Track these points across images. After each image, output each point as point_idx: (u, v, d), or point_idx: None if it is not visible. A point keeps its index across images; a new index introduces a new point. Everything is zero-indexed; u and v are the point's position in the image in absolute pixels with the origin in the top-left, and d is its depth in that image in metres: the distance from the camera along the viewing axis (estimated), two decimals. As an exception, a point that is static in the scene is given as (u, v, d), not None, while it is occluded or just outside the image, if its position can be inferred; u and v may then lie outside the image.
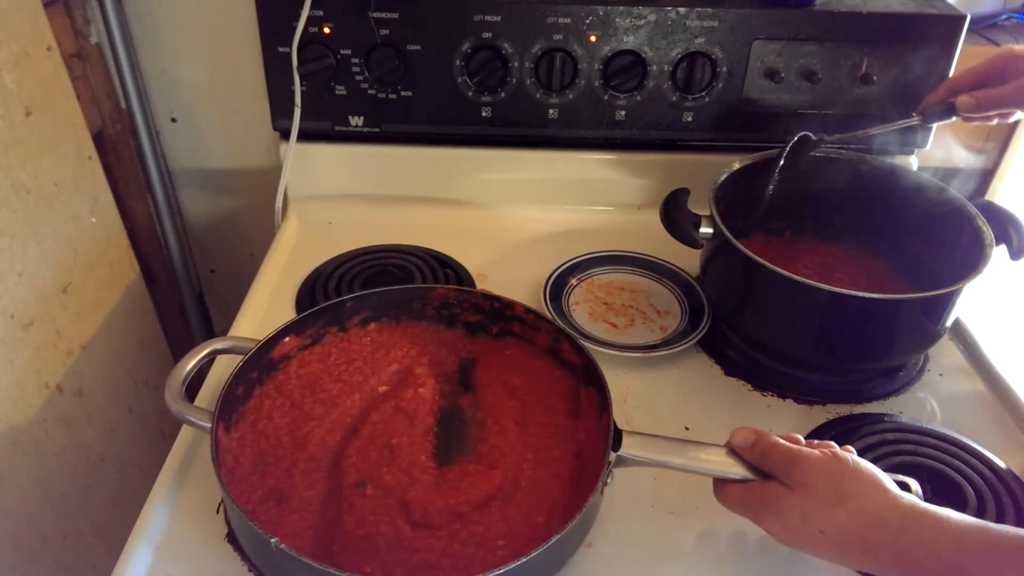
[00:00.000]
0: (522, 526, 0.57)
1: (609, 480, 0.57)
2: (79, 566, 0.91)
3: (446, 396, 0.69)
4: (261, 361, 0.65)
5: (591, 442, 0.61)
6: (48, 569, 0.86)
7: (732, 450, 0.55)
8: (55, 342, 0.86)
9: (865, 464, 0.51)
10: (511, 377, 0.69)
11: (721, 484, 0.56)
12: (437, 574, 0.53)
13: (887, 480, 0.50)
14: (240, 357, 0.63)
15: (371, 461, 0.61)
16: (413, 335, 0.72)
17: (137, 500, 0.61)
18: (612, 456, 0.56)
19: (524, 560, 0.49)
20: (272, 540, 0.49)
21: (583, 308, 0.83)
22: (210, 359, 0.66)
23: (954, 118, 0.76)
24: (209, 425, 0.57)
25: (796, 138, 0.80)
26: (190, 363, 0.63)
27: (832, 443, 0.54)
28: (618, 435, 0.57)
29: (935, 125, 0.92)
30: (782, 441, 0.53)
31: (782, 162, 0.81)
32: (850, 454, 0.52)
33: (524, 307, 0.70)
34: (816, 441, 0.54)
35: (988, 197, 1.10)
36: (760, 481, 0.54)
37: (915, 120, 0.78)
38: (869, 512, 0.48)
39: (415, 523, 0.57)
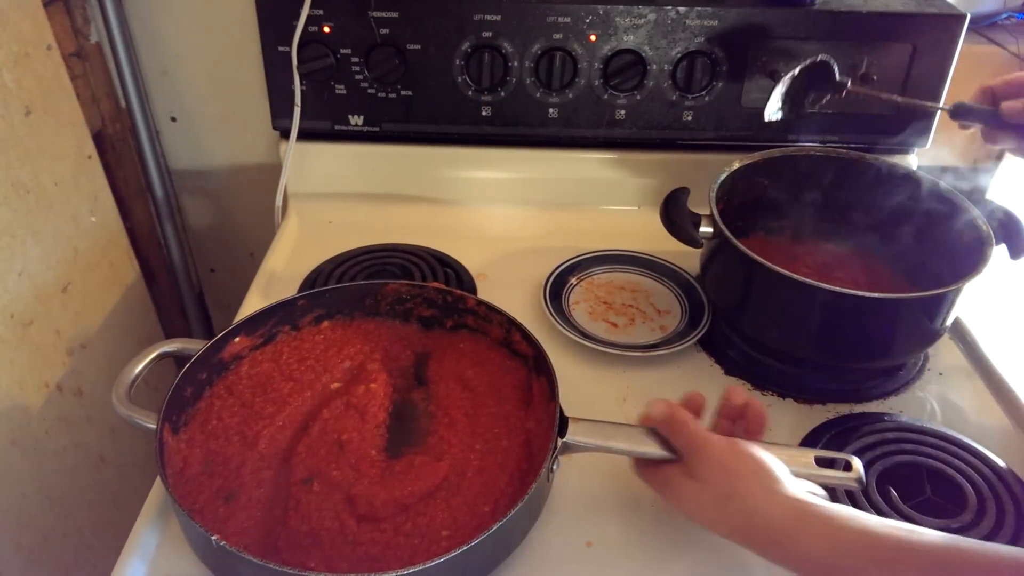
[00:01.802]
0: (467, 516, 0.57)
1: (556, 467, 0.57)
2: (79, 566, 0.91)
3: (399, 391, 0.69)
4: (211, 362, 0.65)
5: (541, 431, 0.62)
6: (48, 568, 0.86)
7: (649, 421, 0.57)
8: (55, 342, 0.86)
9: (762, 461, 0.52)
10: (465, 369, 0.69)
11: (638, 459, 0.58)
12: (380, 567, 0.53)
13: (782, 478, 0.51)
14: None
15: (320, 458, 0.61)
16: (367, 332, 0.72)
17: (137, 500, 0.61)
18: (558, 442, 0.57)
19: (465, 549, 0.49)
20: (213, 537, 0.49)
21: (583, 307, 0.83)
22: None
23: (976, 126, 0.73)
24: (155, 427, 0.58)
25: (818, 58, 0.76)
26: (138, 366, 0.63)
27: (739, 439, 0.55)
28: (564, 421, 0.58)
29: (934, 125, 0.92)
30: (691, 423, 0.55)
31: (796, 73, 0.77)
32: (752, 447, 0.53)
33: (476, 299, 0.71)
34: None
35: (988, 197, 1.09)
36: (668, 464, 0.56)
37: (944, 107, 0.75)
38: (754, 512, 0.50)
39: (360, 517, 0.57)
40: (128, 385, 0.62)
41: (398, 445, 0.64)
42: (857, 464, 0.57)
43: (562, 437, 0.58)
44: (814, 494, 0.51)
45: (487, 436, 0.63)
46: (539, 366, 0.65)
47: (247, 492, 0.58)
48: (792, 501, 0.50)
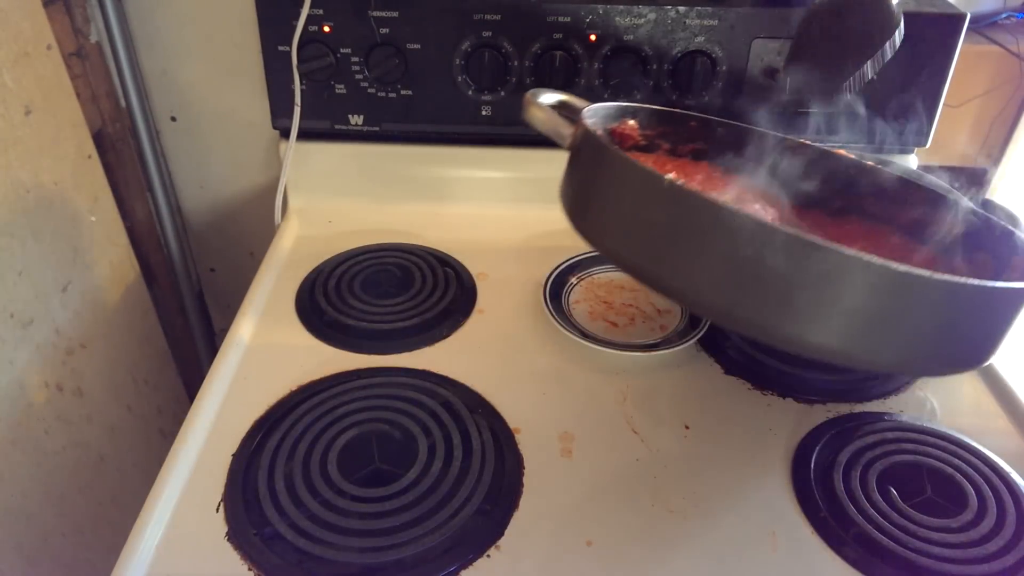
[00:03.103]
0: None
1: None
2: (79, 565, 0.91)
3: None
4: (604, 125, 0.60)
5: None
6: (48, 568, 0.86)
7: None
8: (55, 341, 0.86)
9: None
10: (854, 242, 0.58)
11: None
12: None
13: None
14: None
15: None
16: (739, 197, 0.64)
17: (137, 499, 0.61)
18: None
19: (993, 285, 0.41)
20: (666, 177, 0.44)
21: (583, 307, 0.83)
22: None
23: None
24: (570, 129, 0.54)
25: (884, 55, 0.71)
26: (548, 96, 0.60)
27: None
28: None
29: (934, 125, 0.92)
30: None
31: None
32: None
33: (900, 175, 0.58)
34: None
35: (988, 197, 1.10)
36: None
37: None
38: None
39: None
40: (542, 103, 0.58)
41: None
42: None
43: None
44: None
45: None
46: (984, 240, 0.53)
47: None
48: None
